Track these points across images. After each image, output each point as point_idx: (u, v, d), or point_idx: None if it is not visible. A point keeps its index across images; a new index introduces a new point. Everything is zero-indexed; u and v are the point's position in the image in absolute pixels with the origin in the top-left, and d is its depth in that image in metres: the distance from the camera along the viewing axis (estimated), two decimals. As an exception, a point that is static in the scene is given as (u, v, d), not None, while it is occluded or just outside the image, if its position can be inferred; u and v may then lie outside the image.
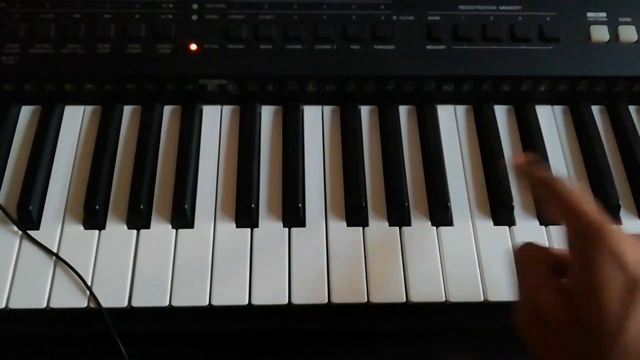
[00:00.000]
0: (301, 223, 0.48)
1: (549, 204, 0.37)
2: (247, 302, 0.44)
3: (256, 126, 0.53)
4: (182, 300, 0.44)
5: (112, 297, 0.44)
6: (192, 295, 0.44)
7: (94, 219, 0.47)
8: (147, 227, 0.47)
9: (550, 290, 0.32)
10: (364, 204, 0.49)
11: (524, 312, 0.33)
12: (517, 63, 0.52)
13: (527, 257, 0.35)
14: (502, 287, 0.45)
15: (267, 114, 0.54)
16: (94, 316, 0.44)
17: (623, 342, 0.28)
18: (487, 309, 0.46)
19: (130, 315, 0.44)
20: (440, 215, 0.49)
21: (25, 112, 0.54)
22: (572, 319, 0.30)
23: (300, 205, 0.48)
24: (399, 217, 0.48)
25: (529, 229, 0.48)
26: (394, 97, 0.54)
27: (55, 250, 0.46)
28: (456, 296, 0.45)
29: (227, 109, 0.54)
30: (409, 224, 0.48)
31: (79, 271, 0.45)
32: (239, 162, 0.51)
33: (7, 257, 0.45)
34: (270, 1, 0.54)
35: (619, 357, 0.28)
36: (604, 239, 0.31)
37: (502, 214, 0.49)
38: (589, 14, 0.55)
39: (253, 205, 0.48)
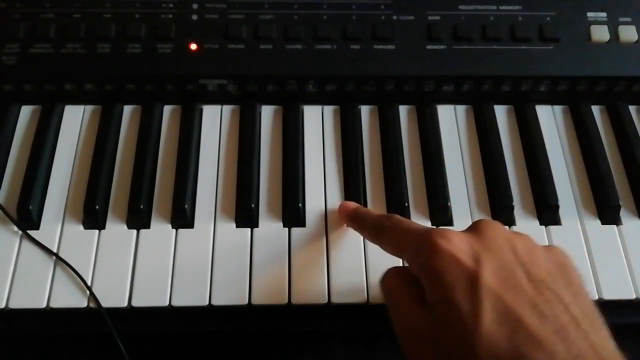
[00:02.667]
0: (301, 223, 0.48)
1: (380, 243, 0.40)
2: (247, 302, 0.44)
3: (256, 126, 0.53)
4: (182, 300, 0.44)
5: (112, 297, 0.44)
6: (192, 295, 0.44)
7: (94, 219, 0.47)
8: (147, 227, 0.47)
9: (416, 310, 0.33)
10: (364, 204, 0.49)
11: (401, 336, 0.34)
12: (517, 63, 0.52)
13: (390, 283, 0.37)
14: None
15: (267, 114, 0.54)
16: (94, 316, 0.44)
17: (481, 331, 0.29)
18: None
19: (130, 315, 0.44)
20: (440, 215, 0.49)
21: (25, 112, 0.54)
22: (438, 327, 0.32)
23: (300, 205, 0.48)
24: (399, 217, 0.48)
25: (529, 229, 0.48)
26: (394, 97, 0.54)
27: (55, 250, 0.46)
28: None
29: (227, 109, 0.54)
30: (409, 224, 0.48)
31: (79, 271, 0.45)
32: (239, 162, 0.51)
33: (7, 257, 0.45)
34: (270, 1, 0.54)
35: (484, 346, 0.29)
36: (434, 245, 0.33)
37: (502, 214, 0.49)
38: (589, 14, 0.55)
39: (253, 205, 0.48)
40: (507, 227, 0.35)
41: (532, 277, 0.31)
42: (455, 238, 0.33)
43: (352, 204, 0.46)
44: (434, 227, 0.34)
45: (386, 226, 0.39)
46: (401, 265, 0.43)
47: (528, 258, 0.32)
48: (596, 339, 0.29)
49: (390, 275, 0.37)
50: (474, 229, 0.34)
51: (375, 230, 0.40)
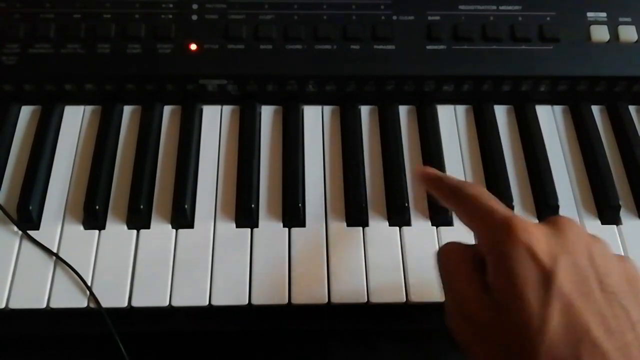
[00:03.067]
0: (301, 223, 0.48)
1: (455, 208, 0.38)
2: (247, 302, 0.44)
3: (256, 126, 0.53)
4: (182, 300, 0.44)
5: (112, 297, 0.44)
6: (192, 295, 0.44)
7: (94, 219, 0.47)
8: (147, 227, 0.47)
9: (474, 290, 0.33)
10: (364, 204, 0.49)
11: (452, 313, 0.33)
12: (517, 63, 0.52)
13: (449, 258, 0.35)
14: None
15: (267, 114, 0.54)
16: (94, 316, 0.44)
17: (546, 332, 0.29)
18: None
19: (130, 315, 0.44)
20: (440, 215, 0.49)
21: (25, 112, 0.54)
22: (497, 316, 0.31)
23: (300, 205, 0.48)
24: (399, 217, 0.48)
25: (529, 229, 0.48)
26: (394, 97, 0.54)
27: (55, 250, 0.46)
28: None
29: (227, 109, 0.54)
30: (409, 224, 0.48)
31: (79, 271, 0.45)
32: (239, 162, 0.51)
33: (7, 257, 0.45)
34: (270, 1, 0.54)
35: (545, 348, 0.29)
36: (513, 234, 0.31)
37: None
38: (589, 14, 0.55)
39: (253, 205, 0.48)
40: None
41: (605, 287, 0.31)
42: (535, 230, 0.32)
43: (432, 171, 0.42)
44: (515, 215, 0.33)
45: (468, 194, 0.36)
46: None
47: (603, 267, 0.32)
48: None
49: (450, 249, 0.36)
50: (555, 225, 0.33)
51: (454, 195, 0.38)
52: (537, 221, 0.49)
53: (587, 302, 0.30)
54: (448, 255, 0.35)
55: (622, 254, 0.48)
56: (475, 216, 0.35)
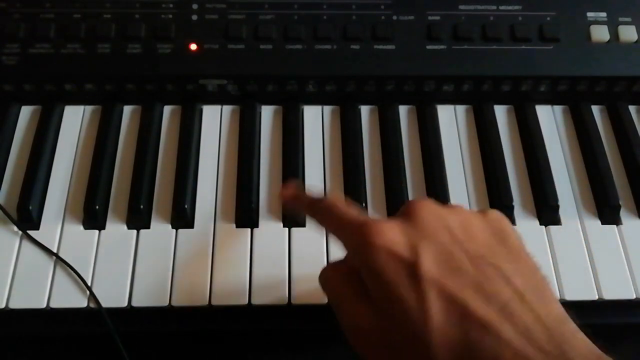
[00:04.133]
0: (301, 223, 0.48)
1: (319, 224, 0.38)
2: (247, 302, 0.44)
3: (256, 126, 0.53)
4: (182, 300, 0.44)
5: (112, 297, 0.44)
6: (192, 295, 0.44)
7: (93, 219, 0.47)
8: (147, 227, 0.47)
9: (359, 306, 0.32)
10: (364, 204, 0.49)
11: (348, 333, 0.33)
12: (517, 63, 0.52)
13: (328, 281, 0.35)
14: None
15: (267, 114, 0.54)
16: (94, 316, 0.44)
17: (430, 323, 0.29)
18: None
19: (130, 315, 0.44)
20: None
21: (25, 112, 0.54)
22: (386, 324, 0.31)
23: (300, 205, 0.48)
24: (399, 217, 0.48)
25: (529, 229, 0.48)
26: (394, 97, 0.54)
27: (55, 250, 0.46)
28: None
29: (227, 109, 0.54)
30: (409, 224, 0.48)
31: (79, 271, 0.45)
32: (239, 162, 0.51)
33: (7, 257, 0.45)
34: (270, 1, 0.54)
35: (435, 338, 0.29)
36: (369, 241, 0.31)
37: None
38: (589, 14, 0.55)
39: (253, 205, 0.48)
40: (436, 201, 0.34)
41: (471, 254, 0.31)
42: (389, 230, 0.31)
43: (292, 188, 0.42)
44: (367, 219, 0.33)
45: (322, 207, 0.37)
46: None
47: (464, 234, 0.32)
48: (540, 308, 0.29)
49: (330, 272, 0.35)
50: (407, 213, 0.33)
51: (312, 210, 0.38)
52: (537, 222, 0.49)
53: (458, 277, 0.30)
54: (327, 277, 0.35)
55: (622, 254, 0.48)
56: (334, 230, 0.35)
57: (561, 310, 0.30)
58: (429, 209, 0.33)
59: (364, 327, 0.32)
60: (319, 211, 0.37)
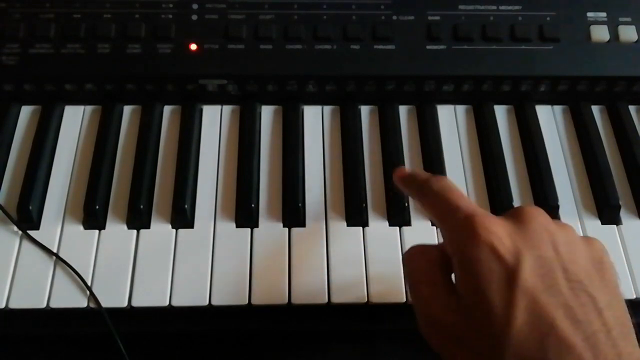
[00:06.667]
0: (301, 223, 0.48)
1: (422, 205, 0.37)
2: (247, 302, 0.44)
3: (256, 126, 0.53)
4: (182, 300, 0.44)
5: (112, 297, 0.44)
6: (192, 295, 0.44)
7: (93, 219, 0.47)
8: (147, 227, 0.47)
9: (439, 295, 0.32)
10: (364, 205, 0.49)
11: (421, 318, 0.33)
12: (517, 63, 0.52)
13: (414, 263, 0.34)
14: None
15: (267, 114, 0.54)
16: (94, 316, 0.44)
17: (511, 333, 0.29)
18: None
19: (130, 315, 0.44)
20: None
21: (25, 112, 0.54)
22: (463, 320, 0.31)
23: (300, 205, 0.48)
24: (399, 217, 0.48)
25: (529, 229, 0.48)
26: (394, 97, 0.54)
27: (55, 250, 0.46)
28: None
29: (227, 109, 0.54)
30: (409, 224, 0.48)
31: (79, 271, 0.45)
32: (239, 162, 0.51)
33: (7, 257, 0.45)
34: (270, 1, 0.54)
35: (511, 348, 0.28)
36: (475, 233, 0.31)
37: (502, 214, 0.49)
38: (589, 14, 0.55)
39: (253, 205, 0.48)
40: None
41: (570, 276, 0.30)
42: (497, 228, 0.31)
43: (406, 169, 0.41)
44: (478, 210, 0.32)
45: (431, 190, 0.35)
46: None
47: (568, 255, 0.31)
48: (624, 347, 0.29)
49: (416, 253, 0.34)
50: (518, 218, 0.32)
51: (420, 192, 0.37)
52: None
53: (552, 295, 0.29)
54: (413, 259, 0.34)
55: (622, 254, 0.48)
56: (439, 214, 0.35)
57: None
58: (540, 219, 0.33)
59: (438, 315, 0.31)
60: (430, 193, 0.36)
